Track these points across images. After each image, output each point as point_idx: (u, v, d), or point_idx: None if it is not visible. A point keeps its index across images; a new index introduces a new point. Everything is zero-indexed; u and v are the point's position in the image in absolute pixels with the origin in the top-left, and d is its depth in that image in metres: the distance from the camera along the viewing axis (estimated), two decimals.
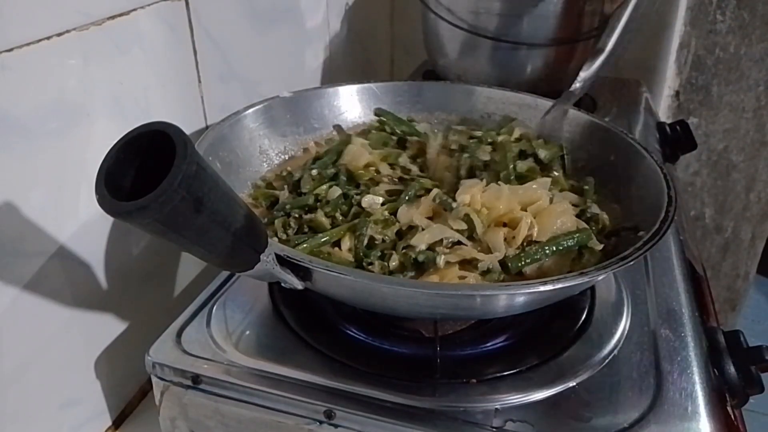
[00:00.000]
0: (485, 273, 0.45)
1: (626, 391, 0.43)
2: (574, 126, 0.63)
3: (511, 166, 0.53)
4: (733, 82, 1.08)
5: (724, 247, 1.26)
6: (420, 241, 0.45)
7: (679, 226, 0.65)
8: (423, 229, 0.47)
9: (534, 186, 0.51)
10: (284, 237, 0.49)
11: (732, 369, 0.46)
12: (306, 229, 0.50)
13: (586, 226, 0.49)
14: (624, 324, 0.49)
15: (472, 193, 0.48)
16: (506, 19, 0.79)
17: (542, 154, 0.57)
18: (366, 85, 0.67)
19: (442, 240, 0.46)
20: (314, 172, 0.55)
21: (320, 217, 0.49)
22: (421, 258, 0.44)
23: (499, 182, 0.51)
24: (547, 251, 0.46)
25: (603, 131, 0.60)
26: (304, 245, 0.47)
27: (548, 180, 0.53)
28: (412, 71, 1.05)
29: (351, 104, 0.67)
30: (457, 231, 0.46)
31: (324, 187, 0.53)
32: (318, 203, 0.51)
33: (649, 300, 0.52)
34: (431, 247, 0.46)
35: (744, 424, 0.46)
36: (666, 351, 0.46)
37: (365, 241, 0.47)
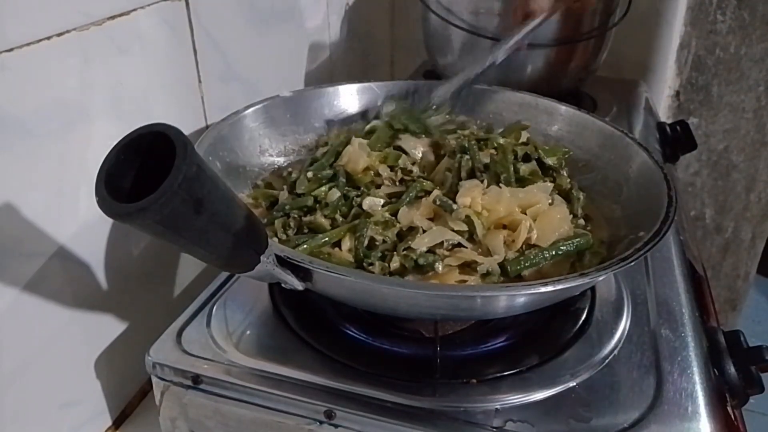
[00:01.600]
0: (485, 276, 0.45)
1: (626, 391, 0.43)
2: (574, 126, 0.63)
3: (512, 168, 0.53)
4: (733, 82, 1.08)
5: (724, 247, 1.26)
6: (420, 244, 0.45)
7: (679, 226, 0.65)
8: (424, 231, 0.47)
9: (534, 189, 0.51)
10: (284, 237, 0.49)
11: (732, 369, 0.46)
12: (306, 230, 0.50)
13: (584, 231, 0.49)
14: (624, 324, 0.49)
15: (472, 196, 0.48)
16: (506, 19, 0.79)
17: (549, 161, 0.57)
18: (366, 85, 0.67)
19: (442, 242, 0.46)
20: (309, 173, 0.54)
21: (320, 218, 0.49)
22: (421, 261, 0.44)
23: (499, 184, 0.51)
24: (547, 255, 0.46)
25: (603, 131, 0.60)
26: (304, 246, 0.47)
27: (550, 185, 0.53)
28: (412, 71, 1.05)
29: (351, 104, 0.67)
30: (458, 232, 0.46)
31: (323, 189, 0.52)
32: (317, 205, 0.51)
33: (649, 300, 0.52)
34: (431, 250, 0.46)
35: (744, 424, 0.46)
36: (666, 351, 0.46)
37: (365, 242, 0.47)
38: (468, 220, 0.47)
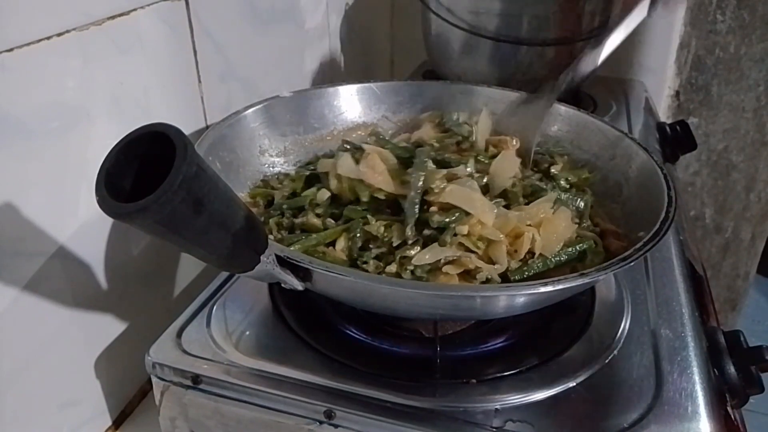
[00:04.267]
0: (484, 283, 0.44)
1: (626, 391, 0.43)
2: (574, 126, 0.63)
3: (521, 197, 0.51)
4: (733, 82, 1.08)
5: (724, 247, 1.26)
6: (421, 260, 0.44)
7: (679, 226, 0.65)
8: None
9: (540, 203, 0.49)
10: (279, 237, 0.49)
11: (732, 369, 0.46)
12: (298, 231, 0.50)
13: (587, 233, 0.49)
14: (624, 324, 0.49)
15: (470, 224, 0.46)
16: (506, 19, 0.79)
17: (568, 178, 0.55)
18: (366, 85, 0.67)
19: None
20: (293, 172, 0.54)
21: (312, 219, 0.49)
22: (418, 272, 0.44)
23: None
24: (549, 264, 0.45)
25: (603, 131, 0.60)
26: (297, 245, 0.46)
27: (554, 195, 0.51)
28: (412, 71, 1.05)
29: (351, 104, 0.67)
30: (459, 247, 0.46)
31: (313, 189, 0.52)
32: (310, 206, 0.51)
33: (649, 300, 0.52)
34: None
35: (744, 424, 0.46)
36: (666, 351, 0.46)
37: (359, 243, 0.47)
38: (462, 248, 0.45)
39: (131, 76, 0.51)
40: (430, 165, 0.50)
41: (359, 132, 0.67)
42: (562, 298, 0.45)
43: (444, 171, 0.50)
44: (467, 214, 0.46)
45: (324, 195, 0.51)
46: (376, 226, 0.47)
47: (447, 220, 0.45)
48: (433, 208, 0.47)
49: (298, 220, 0.50)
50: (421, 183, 0.48)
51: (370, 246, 0.47)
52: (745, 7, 1.02)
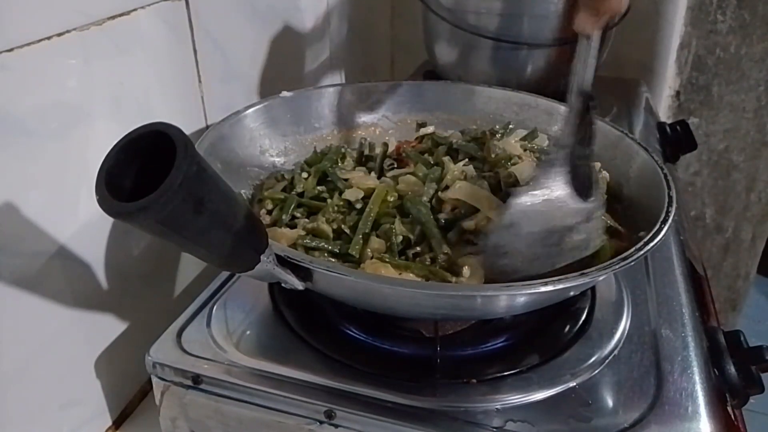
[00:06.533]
0: None
1: (626, 391, 0.43)
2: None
3: None
4: (733, 82, 1.08)
5: (724, 247, 1.26)
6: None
7: (680, 226, 0.65)
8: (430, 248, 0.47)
9: None
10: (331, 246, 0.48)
11: (732, 369, 0.46)
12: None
13: None
14: (624, 324, 0.49)
15: (477, 219, 0.47)
16: (506, 19, 0.79)
17: None
18: (366, 85, 0.67)
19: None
20: (304, 174, 0.55)
21: (322, 225, 0.49)
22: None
23: None
24: None
25: (603, 131, 0.60)
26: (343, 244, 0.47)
27: None
28: (412, 71, 1.05)
29: (351, 104, 0.67)
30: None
31: (336, 198, 0.52)
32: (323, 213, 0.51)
33: (650, 300, 0.52)
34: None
35: (744, 424, 0.46)
36: (666, 351, 0.46)
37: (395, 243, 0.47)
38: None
39: (131, 76, 0.51)
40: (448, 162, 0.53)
41: (359, 132, 0.67)
42: (562, 298, 0.45)
43: (462, 168, 0.52)
44: (475, 210, 0.47)
45: (355, 195, 0.51)
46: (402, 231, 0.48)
47: (454, 217, 0.47)
48: (445, 206, 0.49)
49: (309, 225, 0.50)
50: (438, 175, 0.51)
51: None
52: (746, 7, 1.02)
